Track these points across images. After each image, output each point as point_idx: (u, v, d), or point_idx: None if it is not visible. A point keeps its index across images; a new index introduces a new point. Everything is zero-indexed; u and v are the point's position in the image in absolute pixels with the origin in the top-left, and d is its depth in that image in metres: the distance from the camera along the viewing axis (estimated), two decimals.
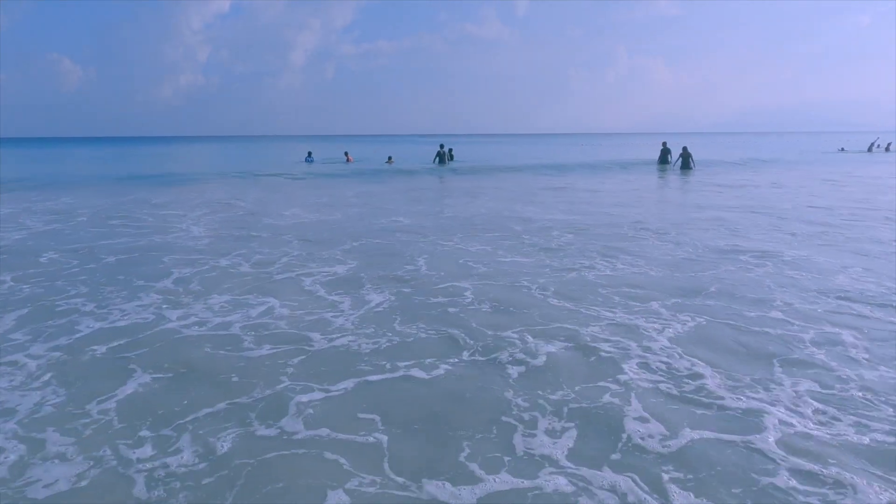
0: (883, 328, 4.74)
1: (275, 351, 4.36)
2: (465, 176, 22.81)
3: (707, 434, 3.14)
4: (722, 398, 3.53)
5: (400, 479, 2.76)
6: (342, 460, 2.92)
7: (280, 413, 3.40)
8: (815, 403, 3.46)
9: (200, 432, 3.18)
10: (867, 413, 3.34)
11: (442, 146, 28.90)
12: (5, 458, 2.94)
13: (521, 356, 4.21)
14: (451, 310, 5.32)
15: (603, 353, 4.25)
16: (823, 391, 3.63)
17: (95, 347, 4.44)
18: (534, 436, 3.14)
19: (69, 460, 2.92)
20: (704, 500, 2.59)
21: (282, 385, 3.77)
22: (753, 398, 3.54)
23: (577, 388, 3.69)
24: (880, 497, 2.59)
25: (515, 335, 4.63)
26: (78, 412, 3.41)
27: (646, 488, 2.67)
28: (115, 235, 9.48)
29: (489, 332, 4.70)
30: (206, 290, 6.00)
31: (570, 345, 4.42)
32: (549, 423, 3.26)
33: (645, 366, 4.03)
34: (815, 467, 2.82)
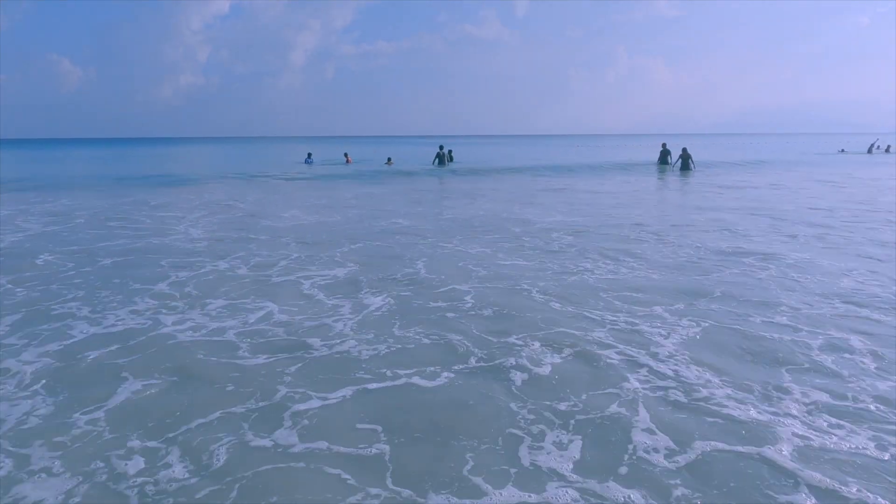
0: (891, 334, 4.65)
1: (272, 358, 4.25)
2: (464, 177, 22.73)
3: (719, 446, 3.04)
4: (732, 409, 3.43)
5: (403, 494, 2.66)
6: (342, 473, 2.82)
7: (276, 423, 3.30)
8: (830, 416, 3.35)
9: (193, 444, 3.08)
10: (885, 427, 3.21)
11: (441, 147, 28.84)
12: None
13: (524, 363, 4.10)
14: (451, 315, 5.23)
15: (608, 361, 4.15)
16: (836, 402, 3.51)
17: (88, 354, 4.34)
18: (540, 448, 3.04)
19: (56, 475, 2.81)
20: None
21: (278, 394, 3.67)
22: (765, 409, 3.43)
23: (583, 397, 3.60)
24: None
25: (519, 341, 4.54)
26: (67, 423, 3.31)
27: None
28: (113, 237, 9.39)
29: (491, 339, 4.60)
30: (202, 294, 5.90)
31: (574, 351, 4.33)
32: (556, 435, 3.16)
33: (652, 374, 3.92)
34: (836, 485, 2.70)
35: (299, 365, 4.12)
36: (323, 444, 3.08)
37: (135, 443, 3.09)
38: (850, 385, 3.74)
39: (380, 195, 16.31)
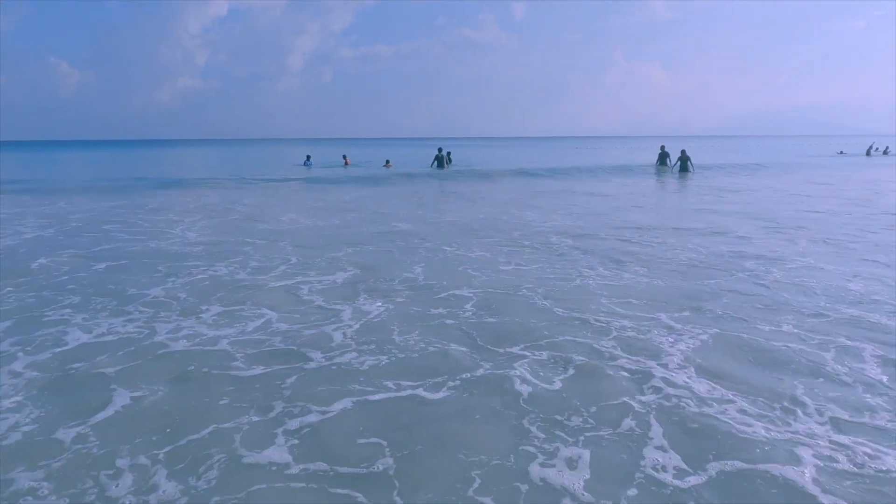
0: None
1: (268, 369, 4.13)
2: (463, 180, 22.68)
3: (735, 465, 2.90)
4: (746, 425, 3.30)
5: None
6: (341, 491, 2.71)
7: (272, 439, 3.17)
8: (849, 433, 3.20)
9: (184, 462, 2.94)
10: None
11: (440, 150, 28.77)
12: None
13: (531, 375, 3.98)
14: (453, 322, 5.12)
15: (617, 372, 4.02)
16: (854, 419, 3.37)
17: (78, 365, 4.21)
18: (551, 465, 2.91)
19: (42, 498, 2.69)
20: None
21: (275, 407, 3.53)
22: (781, 425, 3.29)
23: (592, 410, 3.48)
24: None
25: (524, 351, 4.42)
26: (54, 440, 3.17)
27: None
28: (109, 241, 9.30)
29: (496, 349, 4.48)
30: (198, 301, 5.79)
31: (581, 361, 4.20)
32: (566, 450, 3.04)
33: (661, 386, 3.79)
34: None
35: (297, 376, 4.00)
36: (322, 462, 2.95)
37: (124, 461, 2.96)
38: (866, 399, 3.61)
39: (378, 198, 16.24)
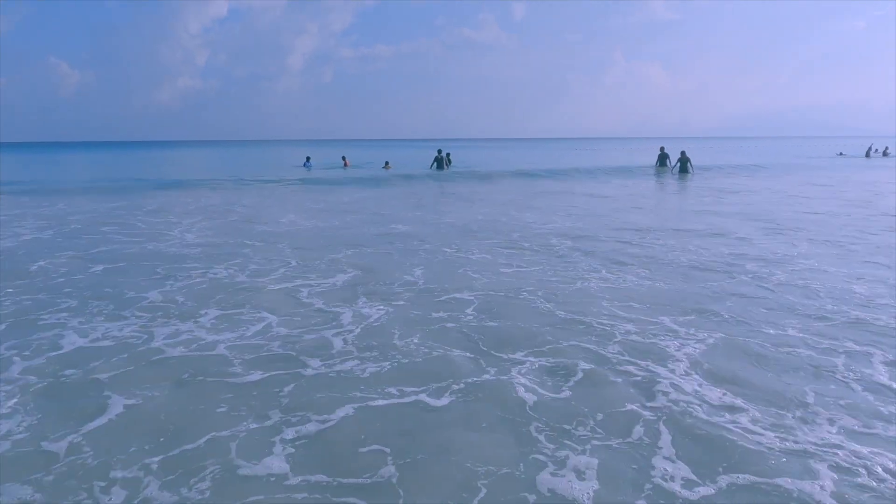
0: None
1: (266, 374, 4.05)
2: (462, 181, 22.63)
3: (749, 478, 2.79)
4: (758, 434, 3.19)
5: None
6: (343, 501, 2.63)
7: (269, 448, 3.07)
8: (865, 444, 3.08)
9: (177, 473, 2.85)
10: None
11: (440, 151, 28.73)
12: None
13: (537, 381, 3.90)
14: (455, 326, 5.05)
15: (623, 378, 3.94)
16: (869, 430, 3.25)
17: (72, 371, 4.12)
18: (560, 474, 2.83)
19: None
20: None
21: (273, 415, 3.44)
22: (794, 436, 3.16)
23: (599, 419, 3.39)
24: None
25: (529, 356, 4.34)
26: (45, 450, 3.08)
27: None
28: (107, 242, 9.24)
29: (499, 354, 4.39)
30: (196, 305, 5.71)
31: (588, 367, 4.12)
32: (574, 460, 2.95)
33: (669, 393, 3.71)
34: None
35: (296, 382, 3.91)
36: (322, 472, 2.87)
37: (117, 472, 2.87)
38: (878, 408, 3.51)
39: (378, 199, 16.19)
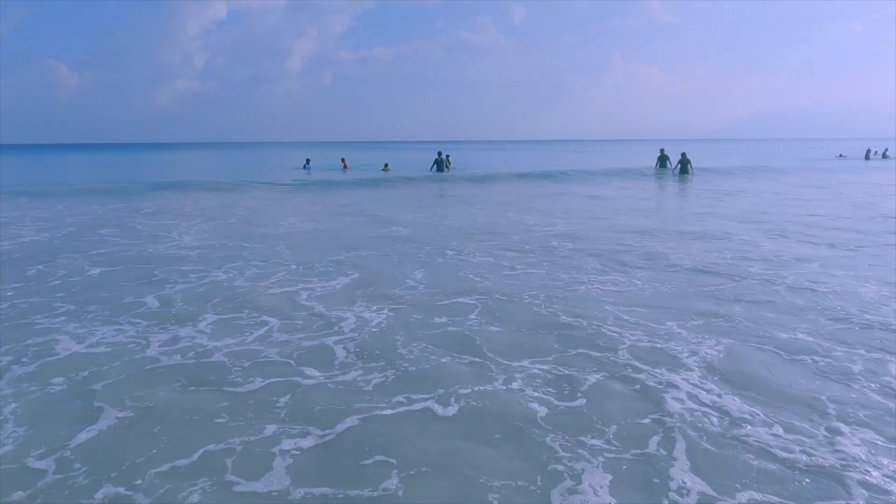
0: None
1: (264, 383, 3.92)
2: (462, 183, 22.56)
3: (768, 499, 2.65)
4: (780, 450, 3.05)
5: None
6: None
7: (267, 463, 2.94)
8: (892, 458, 2.95)
9: (168, 491, 2.71)
10: None
11: (440, 153, 28.69)
12: None
13: (545, 389, 3.79)
14: (459, 332, 4.94)
15: (635, 387, 3.81)
16: (891, 444, 3.11)
17: (65, 380, 3.99)
18: (575, 490, 2.71)
19: None
20: None
21: (272, 426, 3.31)
22: (820, 452, 2.98)
23: (613, 430, 3.27)
24: None
25: (536, 364, 4.22)
26: (29, 467, 2.92)
27: None
28: (105, 245, 9.16)
29: (507, 361, 4.27)
30: (194, 309, 5.60)
31: (598, 375, 4.00)
32: (589, 474, 2.83)
33: (683, 403, 3.59)
34: None
35: (296, 391, 3.79)
36: (325, 484, 2.76)
37: (106, 489, 2.73)
38: None
39: (378, 201, 16.12)
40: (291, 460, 2.99)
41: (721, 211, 13.19)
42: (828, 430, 3.27)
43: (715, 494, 2.70)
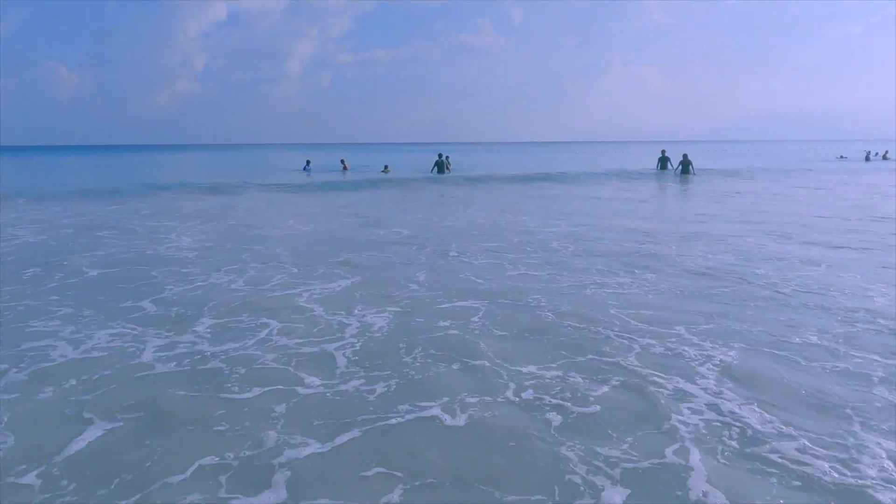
0: None
1: (263, 391, 3.77)
2: (462, 184, 22.47)
3: None
4: (803, 463, 2.89)
5: None
6: None
7: (265, 476, 2.80)
8: None
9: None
10: None
11: (440, 155, 28.61)
12: None
13: (556, 396, 3.66)
14: (463, 336, 4.81)
15: (649, 395, 3.66)
16: None
17: (57, 387, 3.86)
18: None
19: None
20: None
21: (269, 438, 3.16)
22: (849, 467, 2.82)
23: (629, 440, 3.13)
24: None
25: (544, 369, 4.09)
26: (14, 482, 2.78)
27: None
28: (103, 247, 9.06)
29: (513, 367, 4.14)
30: (191, 313, 5.48)
31: (610, 383, 3.86)
32: (609, 490, 2.69)
33: (697, 411, 3.45)
34: None
35: (295, 400, 3.65)
36: (324, 497, 2.64)
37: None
38: None
39: (378, 203, 16.04)
40: (290, 472, 2.86)
41: (723, 212, 13.11)
42: (855, 442, 3.12)
43: None
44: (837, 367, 4.14)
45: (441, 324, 5.17)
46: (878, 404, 3.57)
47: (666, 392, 3.73)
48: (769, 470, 2.87)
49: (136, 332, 4.96)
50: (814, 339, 4.70)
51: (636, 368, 4.12)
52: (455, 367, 4.19)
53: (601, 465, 2.90)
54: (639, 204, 15.32)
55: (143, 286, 6.57)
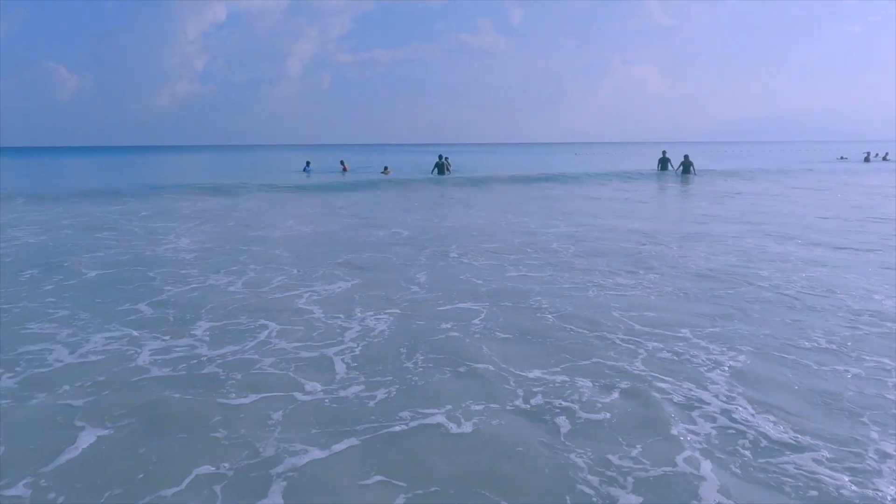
0: None
1: (261, 397, 3.68)
2: (462, 185, 22.38)
3: None
4: (817, 473, 2.78)
5: None
6: None
7: (263, 485, 2.71)
8: None
9: None
10: None
11: (441, 157, 28.53)
12: None
13: (561, 401, 3.57)
14: (464, 339, 4.73)
15: (659, 401, 3.56)
16: None
17: (51, 391, 3.77)
18: None
19: None
20: None
21: (267, 446, 3.06)
22: (864, 477, 2.71)
23: (638, 448, 3.03)
24: None
25: (550, 374, 4.00)
26: (6, 492, 2.69)
27: None
28: (101, 248, 8.98)
29: (516, 371, 4.05)
30: (189, 316, 5.40)
31: (618, 388, 3.77)
32: (620, 500, 2.60)
33: (709, 418, 3.35)
34: None
35: (294, 406, 3.56)
36: None
37: None
38: None
39: (377, 204, 15.96)
40: (288, 481, 2.77)
41: (724, 213, 13.04)
42: (874, 452, 3.00)
43: None
44: (850, 371, 4.04)
45: (442, 326, 5.09)
46: (892, 409, 3.48)
47: (675, 398, 3.64)
48: (784, 480, 2.78)
49: (132, 336, 4.88)
50: (822, 342, 4.62)
51: (643, 373, 4.03)
52: (457, 371, 4.11)
53: (613, 473, 2.81)
54: (639, 205, 15.25)
55: (142, 288, 6.50)
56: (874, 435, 3.17)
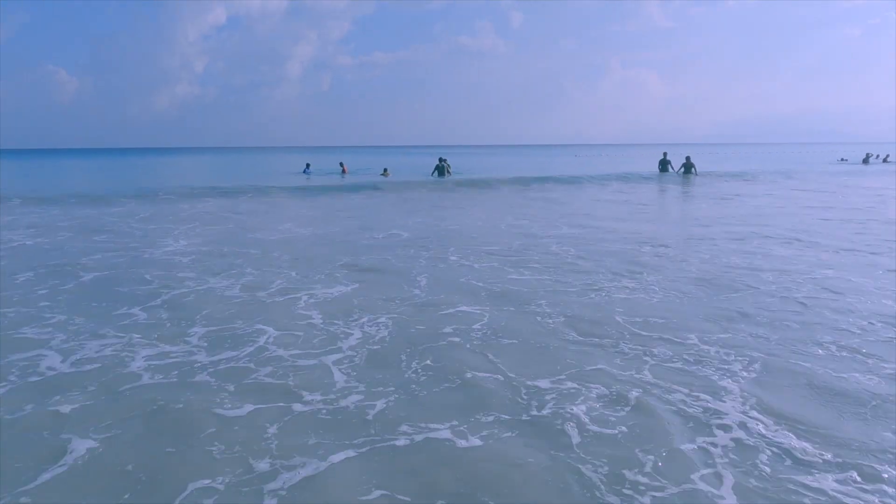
0: None
1: (256, 408, 3.55)
2: (462, 187, 22.27)
3: None
4: (844, 494, 2.64)
5: None
6: None
7: (257, 500, 2.60)
8: None
9: None
10: None
11: (441, 159, 28.43)
12: None
13: (570, 413, 3.43)
14: (466, 345, 4.62)
15: (672, 412, 3.43)
16: None
17: (40, 402, 3.65)
18: None
19: None
20: None
21: (264, 457, 2.95)
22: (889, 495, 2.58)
23: (653, 463, 2.90)
24: None
25: (557, 383, 3.87)
26: None
27: None
28: (98, 251, 8.87)
29: (524, 380, 3.92)
30: (184, 321, 5.28)
31: (627, 397, 3.64)
32: None
33: (725, 431, 3.21)
34: None
35: (291, 416, 3.44)
36: None
37: None
38: None
39: (377, 206, 15.87)
40: (283, 497, 2.65)
41: (726, 215, 12.95)
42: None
43: None
44: (870, 380, 3.91)
45: (444, 331, 4.98)
46: None
47: (689, 409, 3.51)
48: (805, 494, 2.65)
49: (127, 342, 4.76)
50: (835, 349, 4.50)
51: (654, 382, 3.90)
52: (460, 380, 3.98)
53: (629, 491, 2.67)
54: (640, 207, 15.15)
55: (138, 292, 6.39)
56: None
